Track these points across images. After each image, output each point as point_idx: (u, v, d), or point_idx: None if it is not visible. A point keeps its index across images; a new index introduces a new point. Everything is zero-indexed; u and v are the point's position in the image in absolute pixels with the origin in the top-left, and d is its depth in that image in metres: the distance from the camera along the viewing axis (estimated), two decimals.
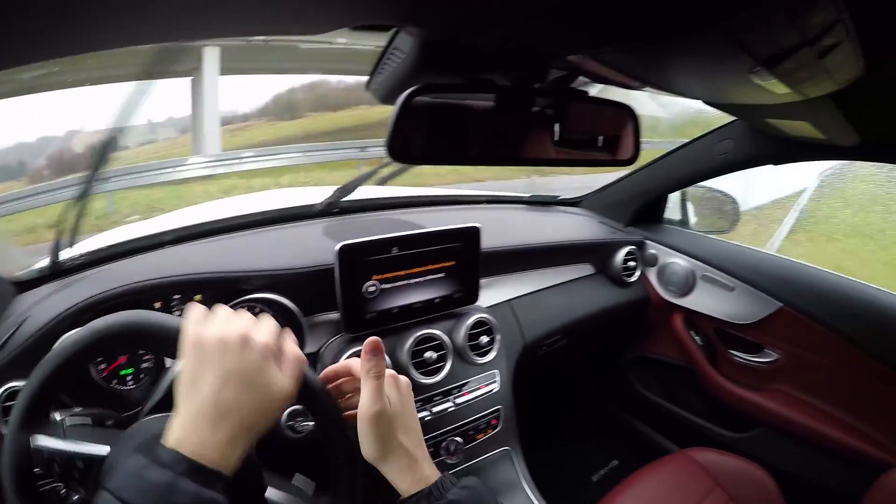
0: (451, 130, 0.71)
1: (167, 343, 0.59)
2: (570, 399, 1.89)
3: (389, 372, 0.64)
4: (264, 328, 0.56)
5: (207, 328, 0.53)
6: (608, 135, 0.76)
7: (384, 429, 0.59)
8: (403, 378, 0.65)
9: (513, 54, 0.63)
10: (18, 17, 0.33)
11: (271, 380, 0.53)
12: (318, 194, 1.30)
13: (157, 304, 0.96)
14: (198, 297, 0.98)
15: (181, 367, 0.53)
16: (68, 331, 0.90)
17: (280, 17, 0.48)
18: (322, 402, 0.64)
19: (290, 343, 0.58)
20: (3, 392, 0.88)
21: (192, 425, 0.49)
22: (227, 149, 8.44)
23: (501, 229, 1.11)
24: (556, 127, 0.72)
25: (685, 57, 0.53)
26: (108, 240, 1.20)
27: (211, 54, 8.45)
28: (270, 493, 0.65)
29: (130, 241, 1.16)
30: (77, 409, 0.78)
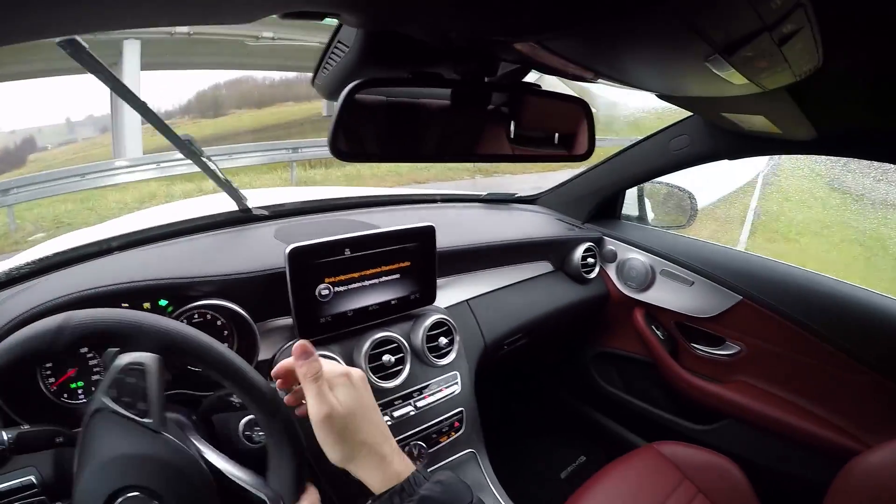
0: (402, 127, 0.70)
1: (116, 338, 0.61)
2: (533, 397, 1.89)
3: (340, 369, 0.62)
4: None
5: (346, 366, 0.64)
6: (563, 131, 0.77)
7: (340, 430, 0.57)
8: (356, 371, 0.63)
9: (459, 46, 0.62)
10: None
11: None
12: (265, 198, 1.27)
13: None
14: (146, 304, 0.94)
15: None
16: None
17: (209, 5, 0.46)
18: (267, 398, 0.65)
19: None
20: None
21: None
22: (149, 150, 7.98)
23: (457, 228, 1.10)
24: (512, 124, 0.73)
25: (637, 44, 0.52)
26: (51, 248, 1.14)
27: (131, 48, 8.14)
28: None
29: (76, 248, 1.11)
30: (24, 427, 0.73)
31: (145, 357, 0.61)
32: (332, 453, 0.58)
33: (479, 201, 1.54)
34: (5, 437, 0.69)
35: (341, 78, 0.71)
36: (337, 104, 0.61)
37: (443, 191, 1.50)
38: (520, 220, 1.51)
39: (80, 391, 0.92)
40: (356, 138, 0.65)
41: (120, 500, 0.59)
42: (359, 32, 0.61)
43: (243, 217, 1.21)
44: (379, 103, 0.65)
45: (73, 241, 1.16)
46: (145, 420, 0.61)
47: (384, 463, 0.58)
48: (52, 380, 0.90)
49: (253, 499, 0.65)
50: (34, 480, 0.85)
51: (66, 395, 0.91)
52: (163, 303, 0.93)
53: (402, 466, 0.59)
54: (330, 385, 0.60)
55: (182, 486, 0.62)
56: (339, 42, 0.66)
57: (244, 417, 0.92)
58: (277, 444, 0.66)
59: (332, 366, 0.63)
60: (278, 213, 1.24)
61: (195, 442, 0.68)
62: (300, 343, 0.60)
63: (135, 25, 0.48)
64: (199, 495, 0.63)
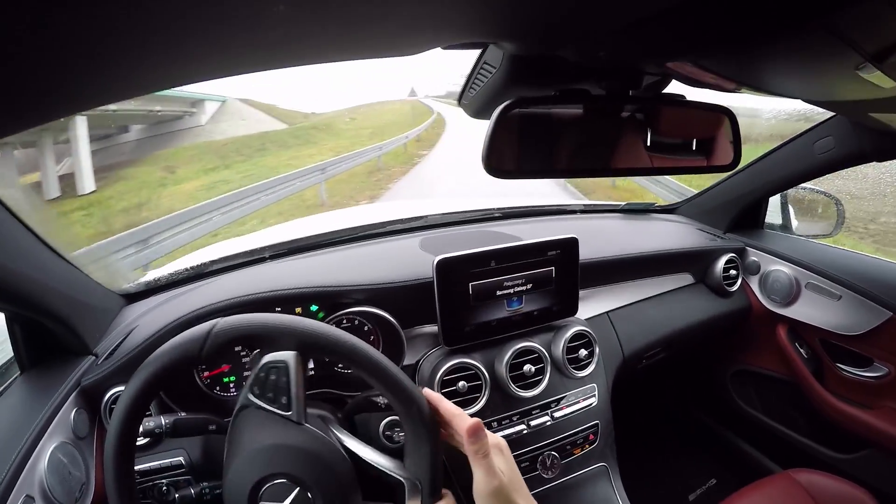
0: (543, 143, 0.71)
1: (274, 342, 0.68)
2: (667, 414, 1.85)
3: (493, 441, 0.66)
4: None
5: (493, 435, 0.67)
6: (703, 138, 0.75)
7: (504, 501, 0.62)
8: (503, 442, 0.67)
9: (606, 64, 0.62)
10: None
11: None
12: (404, 210, 1.34)
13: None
14: (298, 309, 1.03)
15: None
16: None
17: (378, 42, 0.50)
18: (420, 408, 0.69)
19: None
20: (111, 396, 0.97)
21: None
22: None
23: (598, 239, 1.10)
24: (648, 132, 0.72)
25: (787, 57, 0.52)
26: (208, 256, 1.28)
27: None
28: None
29: (231, 256, 1.23)
30: (181, 414, 0.85)
31: (286, 356, 0.67)
32: None
33: (618, 211, 1.52)
34: (164, 422, 0.80)
35: (488, 97, 0.74)
36: (490, 123, 0.63)
37: (582, 201, 1.50)
38: (659, 230, 1.46)
39: (231, 385, 1.03)
40: (504, 156, 0.67)
41: (266, 486, 0.67)
42: (505, 54, 0.62)
43: (394, 229, 1.29)
44: (521, 119, 0.67)
45: (226, 250, 1.29)
46: (287, 413, 0.68)
47: None
48: (205, 373, 1.02)
49: (391, 482, 0.70)
50: (183, 461, 0.97)
51: (218, 388, 1.03)
52: (314, 308, 1.02)
53: None
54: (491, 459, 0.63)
55: (323, 472, 0.68)
56: (485, 63, 0.68)
57: (386, 419, 0.99)
58: (416, 435, 0.69)
59: (489, 437, 0.66)
60: (421, 225, 1.30)
61: (336, 432, 0.74)
62: (474, 422, 0.63)
63: (315, 62, 0.54)
64: (340, 481, 0.69)
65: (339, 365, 1.05)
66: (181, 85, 0.51)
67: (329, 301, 1.00)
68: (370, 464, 0.71)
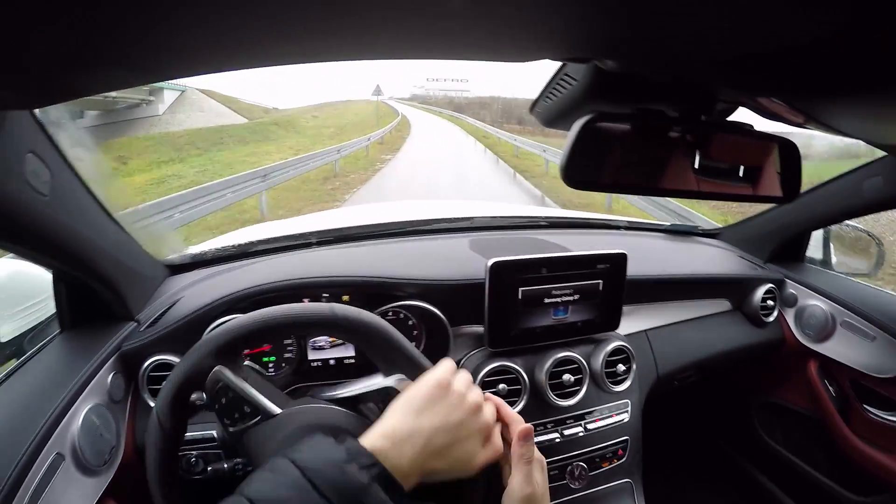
0: (613, 157, 0.72)
1: (332, 329, 0.69)
2: (692, 438, 1.85)
3: (536, 455, 0.67)
4: (490, 410, 0.64)
5: (456, 381, 0.62)
6: (751, 165, 0.75)
7: None
8: (544, 460, 0.68)
9: (688, 87, 0.63)
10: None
11: (474, 452, 0.61)
12: (446, 209, 1.35)
13: (306, 301, 1.03)
14: (345, 297, 1.04)
15: (412, 391, 0.61)
16: (222, 316, 0.99)
17: (491, 46, 0.52)
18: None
19: (497, 434, 0.65)
20: (151, 363, 0.98)
21: (397, 443, 0.55)
22: None
23: (642, 257, 1.11)
24: (697, 154, 0.72)
25: (869, 102, 0.53)
26: (253, 235, 1.29)
27: None
28: None
29: (277, 238, 1.25)
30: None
31: (212, 374, 0.68)
32: None
33: (662, 231, 1.53)
34: (204, 397, 0.81)
35: (564, 109, 0.75)
36: (572, 134, 0.64)
37: (627, 218, 1.51)
38: (701, 254, 1.47)
39: (270, 365, 1.05)
40: (582, 167, 0.68)
41: None
42: (590, 68, 0.64)
43: (435, 227, 1.30)
44: (600, 134, 0.68)
45: (270, 231, 1.30)
46: (258, 417, 0.69)
47: None
48: (246, 350, 1.04)
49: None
50: (215, 435, 0.99)
51: (256, 367, 1.04)
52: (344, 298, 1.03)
53: None
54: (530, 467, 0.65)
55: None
56: (566, 75, 0.69)
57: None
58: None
59: (537, 452, 0.67)
60: (468, 226, 1.32)
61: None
62: (526, 427, 0.65)
63: (422, 57, 0.55)
64: None
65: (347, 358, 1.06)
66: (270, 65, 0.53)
67: (380, 292, 1.01)
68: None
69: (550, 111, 0.79)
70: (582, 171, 0.67)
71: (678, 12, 0.38)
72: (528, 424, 0.65)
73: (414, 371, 0.68)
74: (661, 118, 0.67)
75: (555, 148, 11.64)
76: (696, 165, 0.71)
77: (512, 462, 0.65)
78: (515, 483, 0.63)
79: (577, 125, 0.65)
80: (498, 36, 0.50)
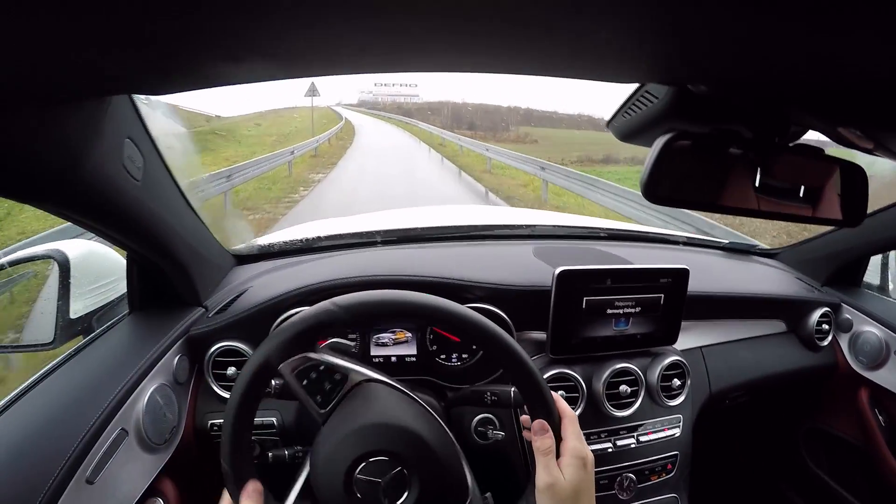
0: (691, 174, 0.74)
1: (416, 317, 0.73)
2: (736, 458, 1.85)
3: (582, 451, 0.70)
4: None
5: (587, 448, 0.70)
6: (812, 186, 0.76)
7: (559, 501, 0.66)
8: (591, 457, 0.71)
9: (766, 111, 0.65)
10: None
11: None
12: (505, 216, 1.37)
13: None
14: None
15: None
16: (293, 308, 1.03)
17: (592, 67, 0.55)
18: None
19: None
20: (218, 349, 1.02)
21: None
22: None
23: (700, 273, 1.12)
24: (758, 172, 0.73)
25: None
26: (316, 231, 1.33)
27: None
28: None
29: (343, 234, 1.28)
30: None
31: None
32: None
33: (720, 248, 1.54)
34: (273, 383, 0.84)
35: (642, 125, 0.77)
36: (654, 151, 0.66)
37: (685, 233, 1.53)
38: (759, 273, 1.47)
39: None
40: (661, 183, 0.70)
41: (364, 464, 0.69)
42: (672, 89, 0.65)
43: (497, 233, 1.33)
44: (680, 152, 0.70)
45: (333, 228, 1.34)
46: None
47: None
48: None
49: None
50: (275, 422, 1.02)
51: None
52: None
53: None
54: (565, 461, 0.69)
55: (425, 454, 0.70)
56: (647, 92, 0.71)
57: (479, 415, 1.03)
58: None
59: (578, 446, 0.71)
60: (530, 234, 1.34)
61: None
62: (539, 421, 0.71)
63: (522, 73, 0.58)
64: (442, 466, 0.71)
65: (442, 356, 1.09)
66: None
67: (449, 293, 1.05)
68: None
69: (629, 127, 0.81)
70: (663, 187, 0.70)
71: (779, 45, 0.40)
72: (541, 420, 0.71)
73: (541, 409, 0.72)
74: (736, 139, 0.69)
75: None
76: (757, 184, 0.74)
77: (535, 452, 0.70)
78: (538, 473, 0.68)
79: (660, 143, 0.67)
80: (604, 59, 0.53)
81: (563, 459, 0.69)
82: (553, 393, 0.74)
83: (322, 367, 0.72)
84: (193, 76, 0.54)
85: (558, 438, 0.71)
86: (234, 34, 0.40)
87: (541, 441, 0.70)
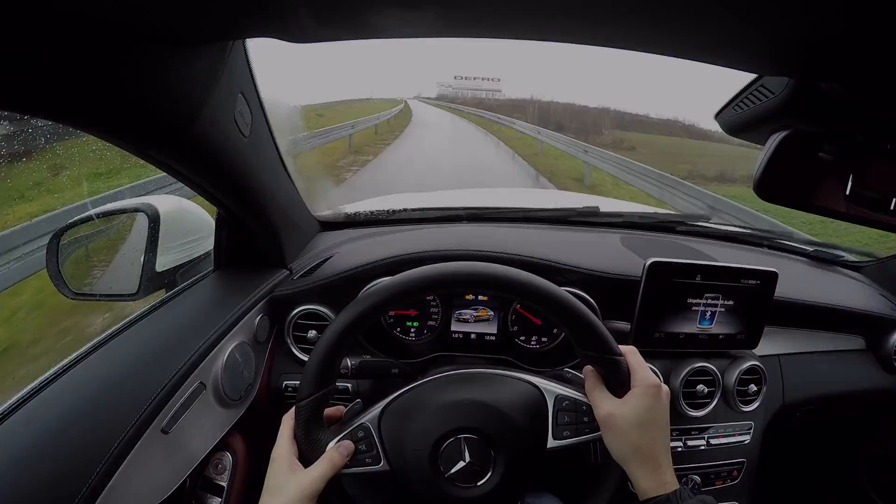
0: (800, 173, 0.75)
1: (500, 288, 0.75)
2: (798, 476, 1.84)
3: (654, 380, 0.72)
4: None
5: (655, 377, 0.74)
6: None
7: (620, 430, 0.70)
8: (666, 389, 0.74)
9: (885, 115, 0.66)
10: None
11: None
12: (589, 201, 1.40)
13: None
14: None
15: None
16: (379, 277, 1.06)
17: (700, 47, 0.57)
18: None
19: None
20: (300, 311, 1.06)
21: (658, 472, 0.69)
22: None
23: (783, 279, 1.13)
24: (850, 179, 0.74)
25: None
26: (399, 203, 1.37)
27: None
28: None
29: (428, 209, 1.32)
30: (367, 357, 0.93)
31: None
32: (610, 447, 0.71)
33: (804, 255, 1.54)
34: (349, 363, 0.88)
35: (754, 120, 0.78)
36: (768, 148, 0.68)
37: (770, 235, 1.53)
38: (843, 285, 1.46)
39: (412, 330, 1.12)
40: (772, 180, 0.72)
41: (450, 440, 0.74)
42: (790, 84, 0.66)
43: (583, 219, 1.35)
44: (793, 150, 0.71)
45: (414, 201, 1.38)
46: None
47: (658, 471, 0.68)
48: (391, 311, 1.10)
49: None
50: (350, 388, 1.05)
51: (399, 329, 1.11)
52: None
53: (672, 479, 0.69)
54: (633, 391, 0.71)
55: (509, 430, 0.75)
56: (762, 87, 0.72)
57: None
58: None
59: (646, 374, 0.73)
60: (615, 222, 1.36)
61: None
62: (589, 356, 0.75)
63: (631, 47, 0.60)
64: (526, 443, 0.76)
65: (521, 337, 1.12)
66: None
67: (544, 274, 1.08)
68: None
69: (739, 120, 0.82)
70: (776, 184, 0.72)
71: None
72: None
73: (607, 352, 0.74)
74: (849, 141, 0.70)
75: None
76: (848, 191, 0.74)
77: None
78: (595, 407, 0.74)
79: (775, 139, 0.69)
80: (737, 46, 0.55)
81: (633, 391, 0.71)
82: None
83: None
84: (357, 25, 0.57)
85: (624, 373, 0.74)
86: None
87: (593, 374, 0.75)
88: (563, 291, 0.74)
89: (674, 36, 0.54)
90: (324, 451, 0.70)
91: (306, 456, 0.70)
